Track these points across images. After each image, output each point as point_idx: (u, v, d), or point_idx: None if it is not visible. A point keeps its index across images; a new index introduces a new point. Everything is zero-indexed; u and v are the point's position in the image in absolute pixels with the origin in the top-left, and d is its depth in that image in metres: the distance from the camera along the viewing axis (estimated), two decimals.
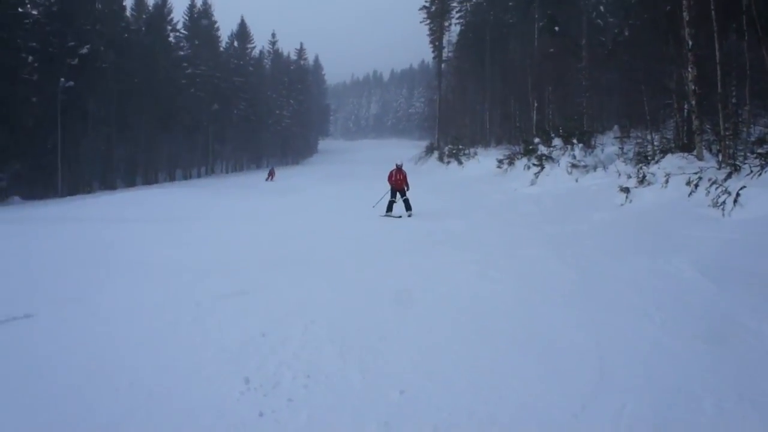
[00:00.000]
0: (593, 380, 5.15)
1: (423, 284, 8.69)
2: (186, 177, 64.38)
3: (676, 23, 18.34)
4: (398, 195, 19.57)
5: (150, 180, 58.00)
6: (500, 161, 34.64)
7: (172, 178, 62.36)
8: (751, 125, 17.45)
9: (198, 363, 5.84)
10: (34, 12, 44.99)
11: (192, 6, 72.10)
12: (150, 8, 64.39)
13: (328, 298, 8.05)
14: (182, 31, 69.48)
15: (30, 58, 42.33)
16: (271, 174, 51.14)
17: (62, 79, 43.25)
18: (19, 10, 41.90)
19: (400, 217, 18.47)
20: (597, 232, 13.25)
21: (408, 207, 19.12)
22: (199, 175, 68.04)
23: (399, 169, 19.92)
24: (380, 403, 4.95)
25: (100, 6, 51.03)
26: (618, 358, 5.58)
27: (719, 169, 15.25)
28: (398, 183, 19.60)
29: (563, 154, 27.00)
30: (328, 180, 42.93)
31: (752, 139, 16.62)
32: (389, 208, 19.28)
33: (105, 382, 5.43)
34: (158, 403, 5.01)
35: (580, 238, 12.30)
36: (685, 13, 17.43)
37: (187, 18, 71.09)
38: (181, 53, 65.96)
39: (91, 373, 5.62)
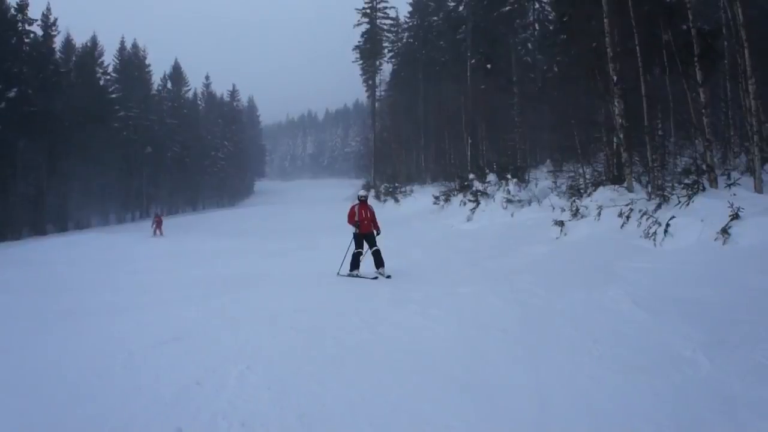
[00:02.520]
0: (535, 417, 5.08)
1: (363, 325, 8.56)
2: (120, 221, 63.11)
3: (601, 59, 18.84)
4: (365, 243, 14.08)
5: (82, 225, 56.65)
6: (436, 198, 34.94)
7: (105, 222, 61.05)
8: (677, 156, 17.91)
9: (130, 414, 5.61)
10: None
11: (122, 48, 71.38)
12: (78, 50, 63.26)
13: (264, 343, 7.86)
14: (113, 73, 68.66)
15: None
16: (157, 224, 35.96)
17: None
18: None
19: (376, 278, 13.39)
20: (534, 266, 13.32)
21: (379, 262, 13.78)
22: (133, 219, 66.74)
23: (363, 203, 14.46)
24: None
25: (27, 48, 50.03)
26: (559, 394, 5.52)
27: (649, 200, 15.62)
28: (365, 224, 14.13)
29: (498, 190, 27.31)
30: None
31: (679, 170, 17.06)
32: (355, 264, 13.86)
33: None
34: None
35: (519, 273, 12.32)
36: (609, 50, 17.92)
37: (118, 60, 70.30)
38: (113, 96, 64.99)
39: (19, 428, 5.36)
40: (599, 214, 16.69)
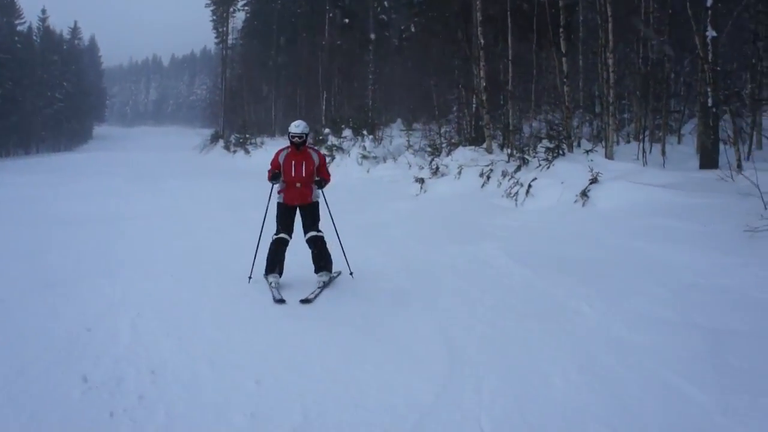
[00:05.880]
0: (446, 364, 5.18)
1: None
2: None
3: (468, 22, 19.20)
4: (289, 221, 8.11)
5: None
6: None
7: None
8: (535, 120, 18.61)
9: (24, 361, 5.27)
10: None
11: None
12: None
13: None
14: None
15: None
16: None
17: None
18: None
19: (311, 298, 7.28)
20: (401, 221, 13.38)
21: (321, 259, 7.99)
22: None
23: (295, 147, 8.01)
24: (239, 394, 4.67)
25: None
26: (464, 342, 5.65)
27: (508, 161, 16.15)
28: (294, 188, 8.06)
29: (354, 145, 27.39)
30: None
31: (537, 134, 17.76)
32: (273, 262, 7.86)
33: None
34: None
35: (387, 228, 12.40)
36: (478, 14, 18.26)
37: None
38: None
39: None
40: (459, 173, 17.10)
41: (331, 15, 41.43)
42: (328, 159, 26.62)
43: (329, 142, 29.09)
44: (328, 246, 8.07)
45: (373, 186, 20.73)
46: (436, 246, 10.03)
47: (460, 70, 22.27)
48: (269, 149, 39.44)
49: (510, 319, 6.17)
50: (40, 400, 4.57)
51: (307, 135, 8.15)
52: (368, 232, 11.80)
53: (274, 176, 8.09)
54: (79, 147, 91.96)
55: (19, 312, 6.76)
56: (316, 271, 7.93)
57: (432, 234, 11.44)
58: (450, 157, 18.80)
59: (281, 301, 7.11)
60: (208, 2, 65.39)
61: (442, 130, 23.18)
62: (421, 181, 17.78)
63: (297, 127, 8.10)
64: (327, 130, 31.37)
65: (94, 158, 49.15)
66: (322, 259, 7.99)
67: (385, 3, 43.89)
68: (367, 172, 24.17)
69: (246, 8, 65.64)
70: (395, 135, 28.49)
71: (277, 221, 8.13)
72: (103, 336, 5.92)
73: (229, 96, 62.22)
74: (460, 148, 19.12)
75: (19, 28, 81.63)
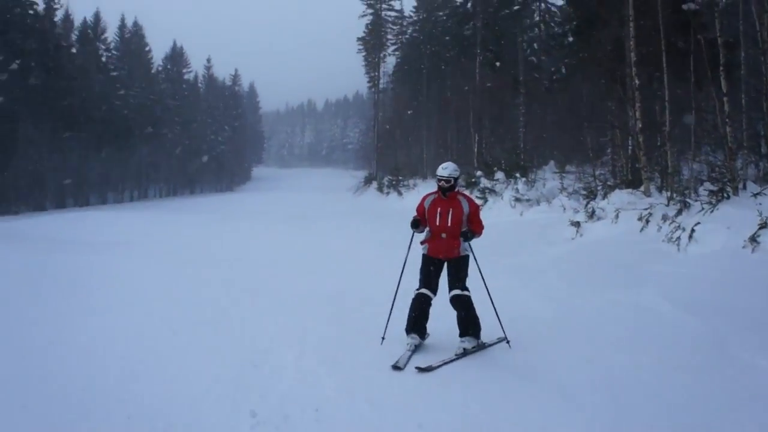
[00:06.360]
0: (612, 417, 5.20)
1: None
2: (118, 201, 62.92)
3: (622, 62, 19.01)
4: (432, 275, 7.28)
5: (80, 203, 56.46)
6: None
7: (104, 201, 60.89)
8: (694, 162, 18.05)
9: (195, 395, 5.70)
10: None
11: (122, 26, 70.72)
12: (78, 25, 62.63)
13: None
14: (114, 51, 68.32)
15: None
16: None
17: None
18: None
19: (458, 357, 6.89)
20: (556, 264, 13.41)
21: (468, 322, 7.13)
22: (131, 199, 66.59)
23: (444, 192, 7.24)
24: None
25: (29, 21, 49.34)
26: (631, 394, 5.64)
27: (668, 205, 15.77)
28: (439, 239, 7.26)
29: (506, 188, 27.48)
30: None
31: (698, 176, 17.24)
32: (416, 320, 7.19)
33: (102, 416, 5.28)
34: None
35: (543, 271, 12.47)
36: (632, 54, 18.07)
37: (119, 38, 69.88)
38: (114, 74, 64.51)
39: (86, 410, 5.43)
40: (617, 216, 16.84)
41: (480, 58, 41.82)
42: (480, 202, 26.80)
43: (481, 185, 29.34)
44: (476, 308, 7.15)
45: (526, 229, 20.67)
46: (592, 291, 10.01)
47: (614, 111, 21.95)
48: (421, 191, 40.18)
49: (679, 372, 6.09)
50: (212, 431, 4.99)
51: (456, 179, 7.22)
52: (521, 276, 11.90)
53: (414, 222, 7.34)
54: (239, 187, 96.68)
55: (188, 346, 7.31)
56: (461, 335, 7.07)
57: (588, 279, 11.42)
58: (606, 200, 18.56)
59: (397, 367, 6.37)
60: (360, 48, 67.64)
61: (597, 173, 22.88)
62: (577, 224, 17.61)
63: (445, 169, 7.24)
64: (479, 173, 31.66)
65: (251, 198, 51.74)
66: (467, 323, 7.08)
67: (535, 45, 43.96)
68: (521, 215, 24.17)
69: (396, 53, 67.48)
70: (548, 177, 28.34)
71: (420, 275, 7.36)
72: (268, 372, 6.31)
73: (381, 138, 63.78)
74: (617, 190, 18.84)
75: (186, 76, 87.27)
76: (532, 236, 18.72)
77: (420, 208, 7.43)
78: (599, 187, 20.92)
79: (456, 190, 7.27)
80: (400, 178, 46.50)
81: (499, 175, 29.19)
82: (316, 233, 22.40)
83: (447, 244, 7.16)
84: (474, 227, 7.17)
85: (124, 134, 59.61)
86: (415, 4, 63.96)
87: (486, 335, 7.22)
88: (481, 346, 7.12)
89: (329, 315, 8.80)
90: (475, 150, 39.68)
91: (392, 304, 7.45)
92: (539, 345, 7.29)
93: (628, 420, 5.13)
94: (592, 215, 17.99)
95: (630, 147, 20.34)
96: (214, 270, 13.37)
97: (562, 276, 11.84)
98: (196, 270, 13.36)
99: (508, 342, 7.17)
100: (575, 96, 27.64)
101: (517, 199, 25.42)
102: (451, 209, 7.14)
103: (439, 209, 7.18)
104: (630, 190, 18.48)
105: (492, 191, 27.92)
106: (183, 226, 25.80)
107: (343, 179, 72.06)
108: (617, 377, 6.08)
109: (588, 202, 19.27)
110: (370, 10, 66.28)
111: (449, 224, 7.11)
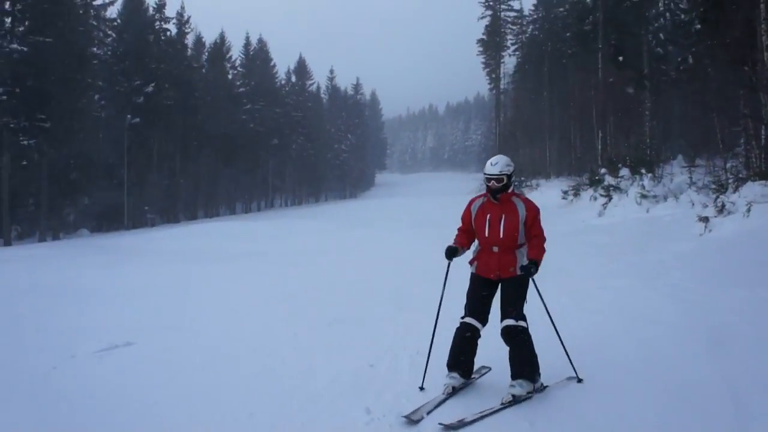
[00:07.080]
0: (731, 416, 4.91)
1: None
2: (246, 211, 65.23)
3: (751, 47, 18.01)
4: (481, 300, 5.80)
5: (211, 214, 58.96)
6: (565, 192, 34.34)
7: (232, 211, 63.40)
8: None
9: (313, 393, 5.81)
10: (100, 52, 46.52)
11: (247, 44, 73.44)
12: (208, 47, 66.25)
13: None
14: (239, 68, 70.95)
15: (97, 97, 43.94)
16: None
17: (129, 116, 44.66)
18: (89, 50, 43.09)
19: (506, 405, 5.34)
20: (682, 261, 12.81)
21: (521, 362, 5.48)
22: (258, 209, 68.96)
23: (494, 194, 5.74)
24: None
25: (163, 46, 52.41)
26: (751, 393, 5.31)
27: None
28: (488, 253, 5.78)
29: (631, 185, 26.58)
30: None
31: None
32: (458, 355, 5.78)
33: (227, 412, 5.43)
34: None
35: (667, 269, 11.94)
36: (764, 37, 17.07)
37: (244, 56, 72.49)
38: (240, 90, 67.12)
39: (209, 406, 5.61)
40: (748, 210, 15.90)
41: (602, 53, 40.64)
42: (603, 200, 26.07)
43: (606, 182, 28.52)
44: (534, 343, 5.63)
45: (650, 226, 19.89)
46: (720, 290, 9.45)
47: (746, 100, 20.77)
48: (544, 191, 39.49)
49: None
50: (328, 426, 5.07)
51: (510, 176, 5.68)
52: (645, 274, 11.59)
53: (449, 252, 5.88)
54: (362, 193, 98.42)
55: (309, 346, 7.50)
56: (512, 377, 5.45)
57: (715, 276, 10.82)
58: (737, 193, 17.57)
59: (411, 420, 5.01)
60: (480, 50, 67.28)
61: (728, 165, 21.69)
62: (705, 219, 16.76)
63: (494, 165, 5.69)
64: (603, 170, 30.77)
65: (373, 205, 52.34)
66: (521, 363, 5.48)
67: (661, 35, 42.34)
68: (647, 211, 23.29)
69: (516, 53, 66.73)
70: (675, 172, 27.19)
71: (466, 299, 5.90)
72: (385, 372, 6.36)
73: (503, 139, 63.20)
74: (749, 183, 17.79)
75: (309, 88, 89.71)
76: (656, 233, 18.03)
77: (466, 216, 5.96)
78: (730, 180, 19.83)
79: (510, 190, 5.78)
80: (522, 178, 45.86)
81: (624, 171, 28.24)
82: (442, 238, 22.31)
83: (500, 260, 5.66)
84: (533, 242, 5.67)
85: (251, 147, 62.01)
86: (534, 2, 63.08)
87: (548, 376, 5.77)
88: (539, 390, 5.58)
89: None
90: (599, 147, 38.57)
91: (430, 346, 6.02)
92: (661, 344, 6.99)
93: (746, 419, 4.83)
94: (721, 210, 17.08)
95: (763, 137, 19.19)
96: (339, 274, 13.92)
97: (686, 274, 11.41)
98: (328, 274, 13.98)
99: (579, 380, 5.79)
100: (704, 85, 26.39)
101: (643, 196, 24.50)
102: (503, 216, 5.65)
103: (488, 216, 5.72)
104: (764, 182, 17.39)
105: (617, 188, 27.05)
106: (310, 233, 26.62)
107: (465, 183, 72.02)
108: (744, 381, 5.66)
109: (717, 196, 18.30)
110: (488, 12, 66.09)
111: (501, 235, 5.64)
